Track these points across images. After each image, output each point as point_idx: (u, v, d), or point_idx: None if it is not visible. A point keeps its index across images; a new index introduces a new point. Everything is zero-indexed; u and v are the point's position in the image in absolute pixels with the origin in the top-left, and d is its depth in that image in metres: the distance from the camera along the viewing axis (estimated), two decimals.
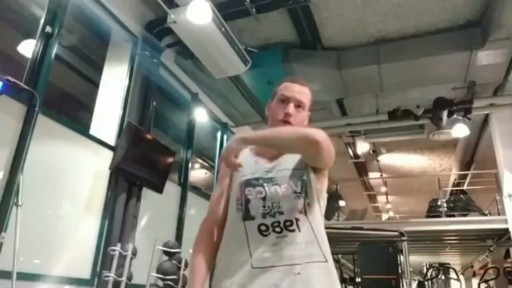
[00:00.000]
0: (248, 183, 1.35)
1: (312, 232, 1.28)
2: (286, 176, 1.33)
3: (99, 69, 4.33)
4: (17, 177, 2.79)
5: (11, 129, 2.88)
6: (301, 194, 1.31)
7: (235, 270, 1.25)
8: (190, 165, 5.29)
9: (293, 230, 1.26)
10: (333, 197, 8.97)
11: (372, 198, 12.05)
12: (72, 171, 3.47)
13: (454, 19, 4.68)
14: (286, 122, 1.39)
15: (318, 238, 1.28)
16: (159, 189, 4.29)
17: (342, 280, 9.37)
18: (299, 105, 1.41)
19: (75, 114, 5.13)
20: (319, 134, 1.23)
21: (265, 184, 1.33)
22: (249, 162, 1.42)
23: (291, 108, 1.39)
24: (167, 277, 3.61)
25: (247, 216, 1.30)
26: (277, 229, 1.26)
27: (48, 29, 3.22)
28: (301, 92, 1.43)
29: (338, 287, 1.28)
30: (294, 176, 1.33)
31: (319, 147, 1.23)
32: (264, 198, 1.31)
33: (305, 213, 1.29)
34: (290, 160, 1.38)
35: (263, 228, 1.27)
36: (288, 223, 1.27)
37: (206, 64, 4.40)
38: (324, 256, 1.27)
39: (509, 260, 8.06)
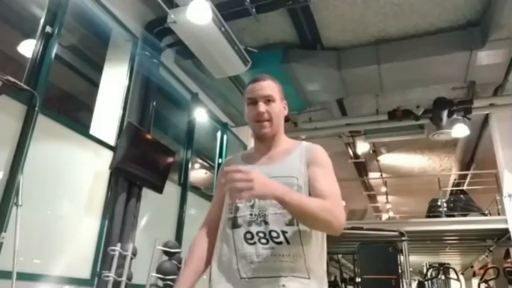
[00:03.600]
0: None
1: (301, 245, 1.25)
2: None
3: (99, 69, 4.32)
4: (17, 177, 2.79)
5: (11, 129, 2.88)
6: None
7: (226, 278, 1.27)
8: (190, 165, 5.29)
9: (280, 242, 1.24)
10: None
11: (372, 198, 12.05)
12: (72, 171, 3.47)
13: (454, 19, 4.68)
14: (260, 121, 1.40)
15: (305, 253, 1.25)
16: (159, 189, 4.29)
17: (342, 280, 9.38)
18: (268, 100, 1.40)
19: (75, 114, 5.13)
20: (340, 224, 1.22)
21: None
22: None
23: (260, 106, 1.39)
24: (167, 277, 3.61)
25: (235, 224, 1.31)
26: (263, 240, 1.25)
27: (48, 29, 3.21)
28: (265, 87, 1.41)
29: None
30: (285, 185, 1.29)
31: (335, 232, 1.24)
32: (252, 206, 1.31)
33: (297, 224, 1.26)
34: (282, 167, 1.35)
35: (248, 236, 1.27)
36: (274, 234, 1.25)
37: (206, 64, 4.40)
38: (307, 273, 1.24)
39: (509, 260, 8.06)
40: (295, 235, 1.25)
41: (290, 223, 1.26)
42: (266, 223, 1.27)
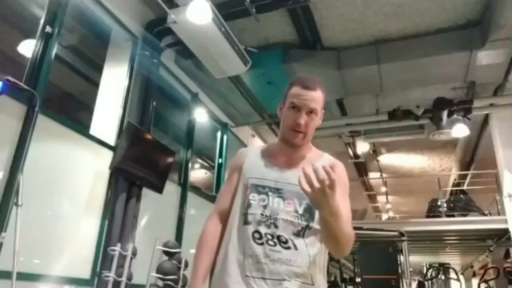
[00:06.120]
0: (254, 189, 1.35)
1: (307, 254, 1.27)
2: (293, 191, 1.31)
3: (99, 69, 4.32)
4: (17, 177, 2.79)
5: (11, 129, 2.88)
6: (302, 216, 1.30)
7: (232, 273, 1.27)
8: (190, 165, 5.29)
9: (288, 248, 1.26)
10: None
11: (372, 198, 12.04)
12: (72, 171, 3.47)
13: (454, 19, 4.68)
14: (296, 131, 1.37)
15: (311, 261, 1.27)
16: (159, 189, 4.29)
17: (342, 280, 9.37)
18: (311, 111, 1.36)
19: (75, 114, 5.13)
20: (347, 253, 1.26)
21: (270, 193, 1.33)
22: (260, 165, 1.42)
23: (302, 118, 1.35)
24: (167, 277, 3.61)
25: (246, 221, 1.31)
26: (271, 242, 1.26)
27: (48, 29, 3.22)
28: (313, 99, 1.36)
29: None
30: (302, 195, 1.27)
31: (337, 256, 1.27)
32: (265, 207, 1.31)
33: (303, 236, 1.28)
34: None
35: (256, 235, 1.28)
36: (283, 239, 1.27)
37: (206, 64, 4.40)
38: (311, 279, 1.26)
39: (509, 260, 8.05)
40: (302, 245, 1.27)
41: (297, 234, 1.28)
42: (276, 226, 1.28)
